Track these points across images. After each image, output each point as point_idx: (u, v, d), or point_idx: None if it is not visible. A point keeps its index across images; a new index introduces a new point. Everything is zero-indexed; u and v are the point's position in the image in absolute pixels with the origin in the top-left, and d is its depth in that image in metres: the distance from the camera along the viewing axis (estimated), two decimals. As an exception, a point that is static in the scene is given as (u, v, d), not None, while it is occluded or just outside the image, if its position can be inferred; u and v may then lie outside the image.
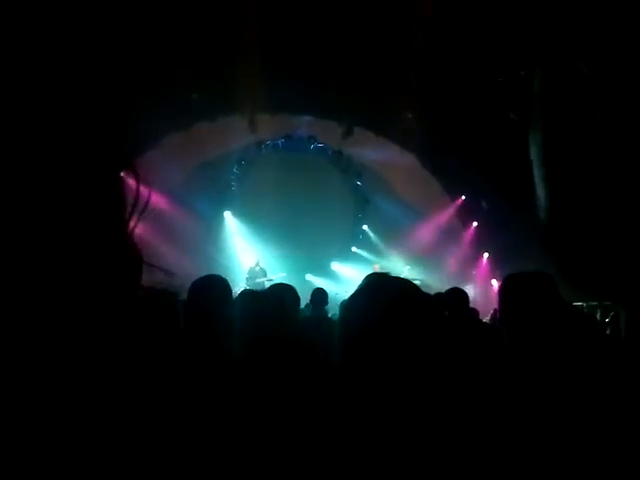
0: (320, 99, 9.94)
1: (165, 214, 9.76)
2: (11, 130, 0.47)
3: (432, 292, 5.46)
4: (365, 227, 12.44)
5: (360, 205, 12.50)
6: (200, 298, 1.99)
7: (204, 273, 2.54)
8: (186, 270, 6.84)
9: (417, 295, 1.14)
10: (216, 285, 2.12)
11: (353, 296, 1.16)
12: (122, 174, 0.55)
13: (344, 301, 1.62)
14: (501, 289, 1.91)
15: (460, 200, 11.76)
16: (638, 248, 0.52)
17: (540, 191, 0.61)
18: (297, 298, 2.29)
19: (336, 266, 12.19)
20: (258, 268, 10.35)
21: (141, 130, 8.63)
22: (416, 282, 7.25)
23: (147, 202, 0.57)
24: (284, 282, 3.71)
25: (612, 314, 6.45)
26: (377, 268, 10.48)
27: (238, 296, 3.10)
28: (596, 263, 0.54)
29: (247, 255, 11.17)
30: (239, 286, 9.58)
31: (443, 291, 4.71)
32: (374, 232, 12.33)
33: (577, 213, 0.55)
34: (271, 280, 9.95)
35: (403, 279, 1.28)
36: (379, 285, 1.19)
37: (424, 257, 11.26)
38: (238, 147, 11.58)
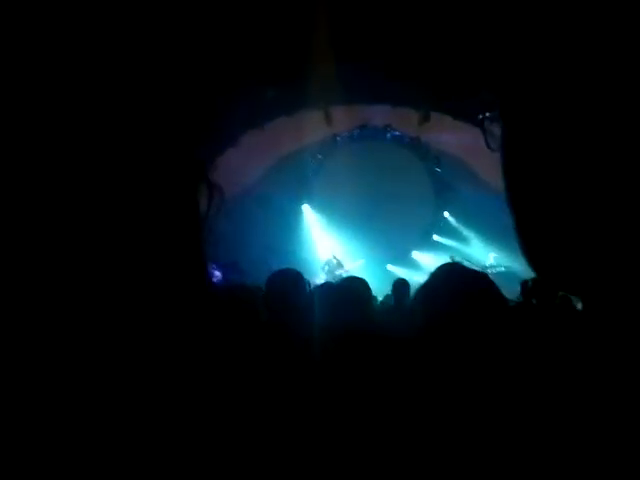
0: (394, 87, 9.77)
1: (245, 211, 10.05)
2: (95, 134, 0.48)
3: (518, 279, 5.23)
4: (446, 214, 12.13)
5: (440, 192, 12.19)
6: (275, 292, 2.02)
7: (284, 267, 2.58)
8: (268, 265, 7.02)
9: (484, 286, 1.10)
10: (290, 278, 2.15)
11: (422, 287, 1.14)
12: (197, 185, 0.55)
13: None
14: None
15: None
16: (596, 239, 0.48)
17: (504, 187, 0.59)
18: (368, 288, 2.27)
19: (417, 255, 11.99)
20: (335, 261, 10.42)
21: (219, 130, 8.93)
22: (501, 269, 7.00)
23: (218, 208, 0.56)
24: (356, 274, 3.67)
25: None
26: (452, 258, 10.19)
27: (317, 288, 3.13)
28: (556, 255, 0.52)
29: (326, 247, 11.27)
30: (318, 278, 9.70)
31: (529, 278, 4.50)
32: (456, 219, 11.99)
33: (537, 209, 0.53)
34: (348, 271, 9.99)
35: (471, 269, 1.24)
36: (444, 277, 1.16)
37: (509, 243, 10.78)
38: (314, 141, 11.67)
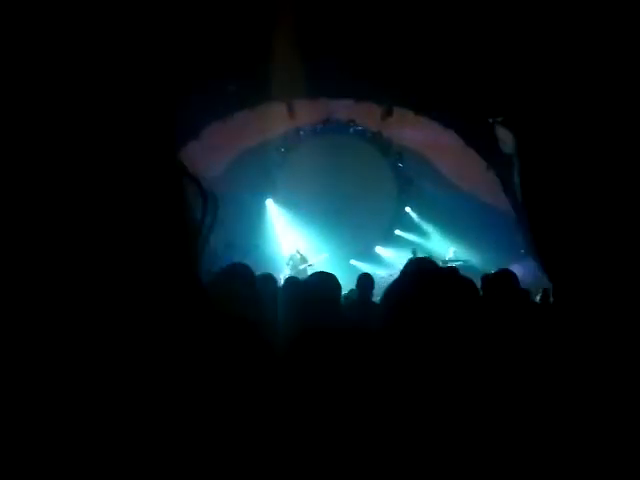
0: (358, 82, 9.80)
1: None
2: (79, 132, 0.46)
3: (478, 273, 5.36)
4: (408, 209, 12.29)
5: (402, 187, 12.34)
6: (225, 287, 2.02)
7: (248, 262, 2.58)
8: (231, 260, 6.94)
9: (455, 279, 1.13)
10: (239, 273, 2.15)
11: (395, 282, 1.15)
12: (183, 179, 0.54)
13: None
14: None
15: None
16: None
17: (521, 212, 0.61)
18: (339, 286, 2.30)
19: (380, 250, 12.13)
20: (299, 255, 10.43)
21: (180, 123, 8.75)
22: (460, 263, 7.16)
23: (216, 207, 0.55)
24: (325, 270, 3.70)
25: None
26: (414, 252, 10.37)
27: (283, 285, 3.13)
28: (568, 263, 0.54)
29: (289, 242, 11.25)
30: (282, 273, 9.68)
31: (489, 272, 4.61)
32: (417, 213, 12.18)
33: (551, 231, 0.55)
34: (312, 265, 10.01)
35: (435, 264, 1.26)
36: (417, 272, 1.18)
37: (469, 237, 11.03)
38: (277, 134, 11.61)
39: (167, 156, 0.51)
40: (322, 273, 2.34)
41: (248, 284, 2.28)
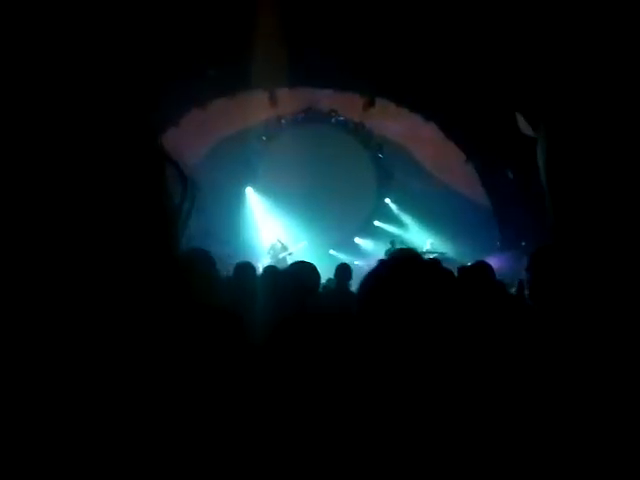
0: (340, 72, 9.78)
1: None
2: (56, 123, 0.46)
3: (455, 265, 5.43)
4: (387, 200, 12.36)
5: (382, 178, 12.39)
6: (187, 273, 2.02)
7: (226, 251, 2.58)
8: (207, 248, 6.90)
9: (434, 268, 1.15)
10: (200, 259, 2.15)
11: (373, 269, 1.17)
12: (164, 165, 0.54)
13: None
14: (531, 263, 1.87)
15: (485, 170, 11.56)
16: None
17: (546, 195, 0.63)
18: (318, 275, 2.31)
19: (359, 240, 12.19)
20: (279, 244, 10.43)
21: (159, 110, 8.63)
22: (437, 255, 7.23)
23: (193, 199, 0.56)
24: (304, 259, 3.71)
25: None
26: (393, 243, 10.45)
27: (261, 273, 3.13)
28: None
29: (270, 230, 11.23)
30: (261, 262, 9.67)
31: (466, 264, 4.68)
32: (397, 205, 12.25)
33: (575, 214, 0.58)
34: (291, 254, 10.03)
35: (414, 253, 1.28)
36: (395, 259, 1.19)
37: (447, 229, 11.15)
38: (258, 123, 11.53)
39: (147, 140, 0.52)
40: (302, 262, 2.34)
41: (206, 269, 2.26)
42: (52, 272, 0.43)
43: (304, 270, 2.10)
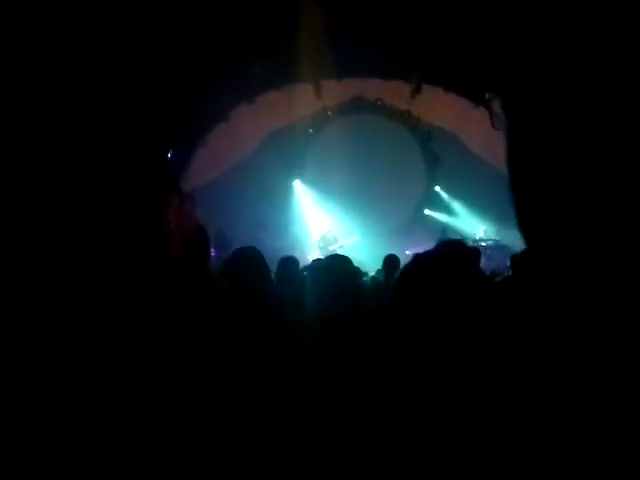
0: (385, 60, 9.64)
1: (236, 187, 9.99)
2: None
3: (508, 252, 5.27)
4: (437, 188, 12.13)
5: (431, 165, 12.17)
6: (236, 273, 2.05)
7: (277, 244, 2.61)
8: (260, 241, 7.01)
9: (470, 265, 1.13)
10: (250, 259, 2.17)
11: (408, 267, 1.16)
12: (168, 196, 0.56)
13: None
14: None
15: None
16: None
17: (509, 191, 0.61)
18: (353, 268, 2.30)
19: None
20: (330, 235, 10.45)
21: (208, 106, 8.80)
22: (491, 242, 7.05)
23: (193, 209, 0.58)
24: (355, 250, 3.67)
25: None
26: (444, 231, 10.29)
27: (308, 266, 3.14)
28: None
29: (318, 223, 11.27)
30: (311, 254, 9.73)
31: (519, 251, 4.54)
32: (447, 192, 12.00)
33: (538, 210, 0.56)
34: (342, 246, 10.03)
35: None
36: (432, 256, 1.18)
37: (500, 216, 10.84)
38: (305, 115, 11.56)
39: (155, 165, 0.54)
40: (337, 256, 2.33)
41: (258, 268, 2.28)
42: (59, 291, 0.45)
43: (337, 264, 2.10)
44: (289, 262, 3.02)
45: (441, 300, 1.06)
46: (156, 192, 0.55)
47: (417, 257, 1.18)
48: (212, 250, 7.96)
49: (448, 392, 1.00)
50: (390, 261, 4.50)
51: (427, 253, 1.20)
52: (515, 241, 10.06)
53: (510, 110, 0.58)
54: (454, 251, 1.18)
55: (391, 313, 1.10)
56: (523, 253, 3.81)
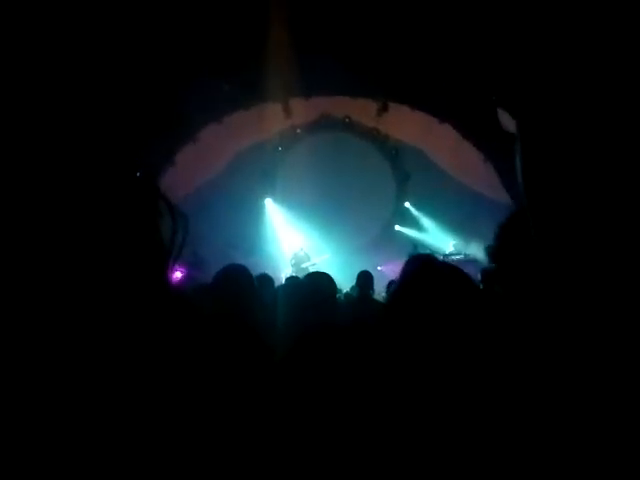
0: (352, 78, 9.79)
1: (206, 207, 9.92)
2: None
3: (479, 266, 5.35)
4: (407, 204, 12.29)
5: (400, 182, 12.33)
6: (226, 288, 2.03)
7: (249, 262, 2.59)
8: (232, 260, 6.92)
9: (456, 276, 1.13)
10: (240, 274, 2.16)
11: (398, 283, 1.16)
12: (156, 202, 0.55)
13: (392, 284, 1.60)
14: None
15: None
16: None
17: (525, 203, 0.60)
18: (334, 284, 2.31)
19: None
20: (302, 253, 10.44)
21: (176, 126, 8.75)
22: (461, 257, 7.13)
23: (185, 233, 0.56)
24: (327, 267, 3.69)
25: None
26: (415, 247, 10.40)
27: (283, 284, 3.13)
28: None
29: (290, 241, 11.26)
30: (283, 272, 9.69)
31: (489, 265, 4.61)
32: (417, 208, 12.17)
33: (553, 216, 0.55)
34: (314, 264, 10.02)
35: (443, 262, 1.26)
36: (419, 270, 1.18)
37: (469, 231, 11.02)
38: (274, 133, 11.61)
39: (141, 178, 0.52)
40: (315, 273, 2.35)
41: (247, 284, 2.29)
42: (49, 308, 0.43)
43: (318, 280, 2.10)
44: (264, 280, 3.00)
45: (441, 312, 1.06)
46: (146, 199, 0.53)
47: (415, 270, 1.18)
48: (181, 268, 7.88)
49: (437, 401, 0.99)
50: (363, 277, 4.51)
51: (423, 267, 1.19)
52: (484, 255, 10.20)
53: (522, 115, 0.57)
54: (450, 265, 1.18)
55: (387, 326, 1.09)
56: (493, 268, 3.87)
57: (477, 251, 10.53)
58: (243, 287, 2.14)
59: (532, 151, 0.59)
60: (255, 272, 3.58)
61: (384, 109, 11.08)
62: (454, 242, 11.05)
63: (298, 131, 11.90)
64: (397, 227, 12.30)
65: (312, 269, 9.24)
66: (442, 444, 0.98)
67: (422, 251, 10.05)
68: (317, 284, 1.93)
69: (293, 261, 10.32)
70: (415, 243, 11.31)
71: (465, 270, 1.25)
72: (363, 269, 4.78)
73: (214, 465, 0.54)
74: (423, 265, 1.26)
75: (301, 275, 7.36)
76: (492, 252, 1.43)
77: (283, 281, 6.13)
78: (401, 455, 0.99)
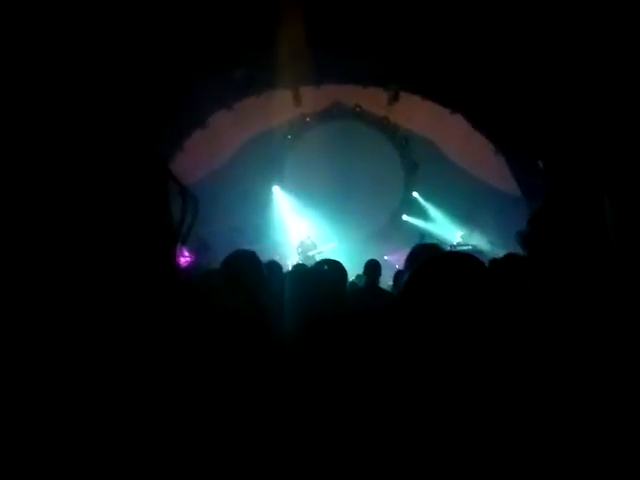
0: (364, 67, 9.71)
1: (214, 192, 9.93)
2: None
3: (486, 258, 5.34)
4: (415, 194, 12.24)
5: (409, 172, 12.28)
6: (235, 275, 2.04)
7: (255, 249, 2.59)
8: (239, 246, 6.92)
9: (477, 269, 1.13)
10: (249, 261, 2.17)
11: (414, 275, 1.15)
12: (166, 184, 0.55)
13: (399, 275, 1.60)
14: None
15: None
16: None
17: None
18: (345, 273, 2.31)
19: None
20: (309, 241, 10.44)
21: (186, 112, 8.74)
22: (468, 248, 7.12)
23: (195, 215, 0.57)
24: (334, 256, 3.68)
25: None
26: (423, 237, 10.37)
27: (290, 271, 3.14)
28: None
29: (297, 229, 11.26)
30: (290, 260, 9.70)
31: (497, 256, 4.60)
32: (425, 198, 12.12)
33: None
34: (321, 252, 10.03)
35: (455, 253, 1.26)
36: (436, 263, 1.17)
37: (477, 222, 10.97)
38: (284, 121, 11.57)
39: (152, 159, 0.53)
40: (328, 261, 2.34)
41: (256, 271, 2.30)
42: (56, 287, 0.44)
43: (330, 268, 2.10)
44: (272, 267, 3.01)
45: (456, 300, 1.06)
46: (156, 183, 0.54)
47: (429, 259, 1.18)
48: (189, 254, 7.91)
49: (446, 396, 1.00)
50: (372, 266, 4.51)
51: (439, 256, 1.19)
52: (493, 246, 10.22)
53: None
54: (466, 254, 1.18)
55: (401, 314, 1.09)
56: (504, 258, 3.86)
57: (480, 242, 10.50)
58: (252, 274, 2.16)
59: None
60: (262, 259, 3.60)
61: (395, 98, 10.99)
62: (462, 233, 11.01)
63: (308, 119, 11.85)
64: (405, 217, 12.26)
65: (318, 257, 9.25)
66: (453, 437, 0.98)
67: (429, 241, 10.03)
68: (327, 272, 1.93)
69: (300, 249, 10.33)
70: (422, 233, 11.28)
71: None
72: (370, 258, 4.79)
73: (222, 457, 0.55)
74: (438, 254, 1.26)
75: (308, 263, 7.37)
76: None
77: (290, 269, 6.14)
78: (413, 449, 1.00)
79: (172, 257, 0.56)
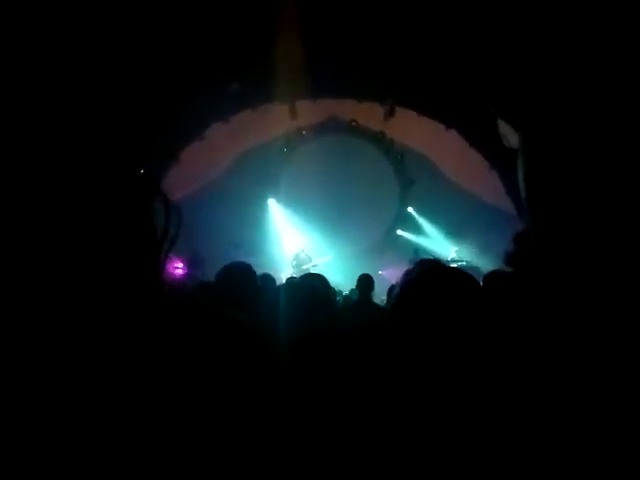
0: (360, 82, 9.79)
1: (210, 205, 9.93)
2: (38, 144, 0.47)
3: (480, 274, 5.34)
4: (410, 209, 12.28)
5: (404, 187, 12.33)
6: (229, 287, 2.04)
7: (250, 262, 2.59)
8: (233, 259, 6.90)
9: (471, 285, 1.13)
10: (243, 273, 2.17)
11: (406, 291, 1.15)
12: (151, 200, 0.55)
13: (393, 289, 1.59)
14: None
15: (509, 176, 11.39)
16: None
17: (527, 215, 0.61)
18: (328, 287, 2.31)
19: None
20: (304, 254, 10.43)
21: (183, 124, 8.77)
22: (462, 264, 7.13)
23: (178, 227, 0.56)
24: (329, 269, 3.68)
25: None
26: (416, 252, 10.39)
27: (283, 285, 3.13)
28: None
29: (292, 242, 11.25)
30: (284, 273, 9.68)
31: (491, 271, 4.61)
32: (420, 214, 12.16)
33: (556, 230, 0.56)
34: (316, 266, 10.02)
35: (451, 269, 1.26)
36: (431, 278, 1.17)
37: (472, 238, 11.00)
38: (280, 134, 11.62)
39: (136, 170, 0.52)
40: (308, 275, 2.35)
41: (250, 282, 2.29)
42: (36, 298, 0.43)
43: (312, 283, 2.10)
44: (266, 280, 3.00)
45: (448, 315, 1.05)
46: (142, 196, 0.54)
47: (421, 273, 1.17)
48: (182, 266, 7.88)
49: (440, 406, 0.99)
50: (364, 280, 4.51)
51: (430, 270, 1.19)
52: (487, 263, 10.22)
53: (525, 127, 0.58)
54: (458, 269, 1.18)
55: (392, 329, 1.09)
56: (489, 274, 3.87)
57: (474, 258, 10.52)
58: (246, 286, 2.16)
59: (535, 161, 0.59)
60: (257, 272, 3.58)
61: (391, 113, 11.08)
62: (456, 249, 11.04)
63: (304, 133, 11.91)
64: (399, 232, 12.29)
65: (313, 271, 9.24)
66: (447, 450, 0.98)
67: (423, 256, 10.04)
68: (310, 287, 1.93)
69: (294, 262, 10.31)
70: (417, 248, 11.30)
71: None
72: (364, 272, 4.79)
73: (214, 467, 0.55)
74: (429, 268, 1.26)
75: (302, 276, 7.36)
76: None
77: (284, 282, 6.14)
78: (405, 460, 0.99)
79: (155, 268, 0.55)
